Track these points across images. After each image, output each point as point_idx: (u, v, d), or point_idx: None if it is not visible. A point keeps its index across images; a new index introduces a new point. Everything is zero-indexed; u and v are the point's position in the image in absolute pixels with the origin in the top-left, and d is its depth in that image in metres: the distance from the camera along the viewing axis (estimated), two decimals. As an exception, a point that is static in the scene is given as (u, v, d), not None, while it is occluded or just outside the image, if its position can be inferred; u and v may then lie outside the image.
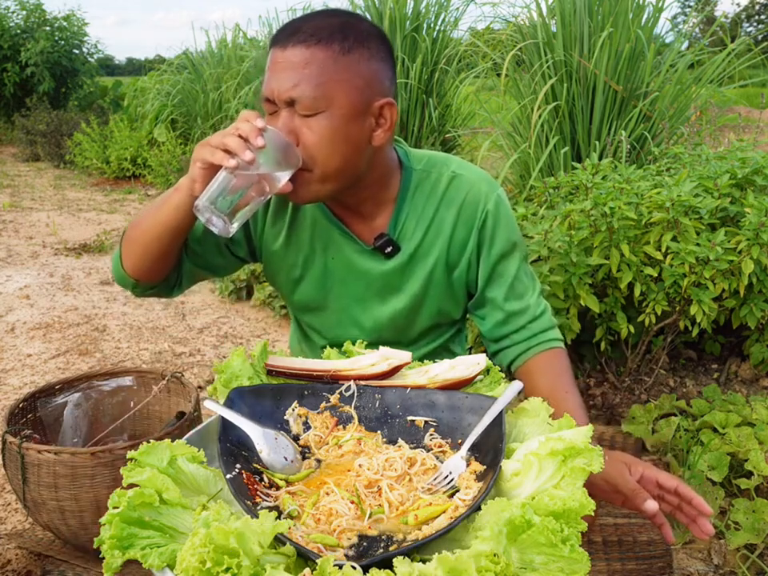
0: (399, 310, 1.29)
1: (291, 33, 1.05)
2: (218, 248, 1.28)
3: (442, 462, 0.90)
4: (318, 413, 1.01)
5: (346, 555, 0.73)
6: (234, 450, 0.87)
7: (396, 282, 1.27)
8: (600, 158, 3.15)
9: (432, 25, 5.45)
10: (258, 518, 0.69)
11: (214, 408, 0.92)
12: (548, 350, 1.26)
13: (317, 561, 0.66)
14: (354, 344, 1.15)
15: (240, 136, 0.98)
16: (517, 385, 0.98)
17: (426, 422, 0.98)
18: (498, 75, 3.91)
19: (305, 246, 1.27)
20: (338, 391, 1.02)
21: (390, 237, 1.23)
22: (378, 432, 0.98)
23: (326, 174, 1.09)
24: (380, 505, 0.81)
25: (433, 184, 1.24)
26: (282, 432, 0.94)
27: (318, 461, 0.92)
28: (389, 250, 1.23)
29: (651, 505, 0.93)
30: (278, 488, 0.85)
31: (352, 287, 1.28)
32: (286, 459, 0.89)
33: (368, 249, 1.25)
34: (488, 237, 1.25)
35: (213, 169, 1.00)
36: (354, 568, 0.67)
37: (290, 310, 1.45)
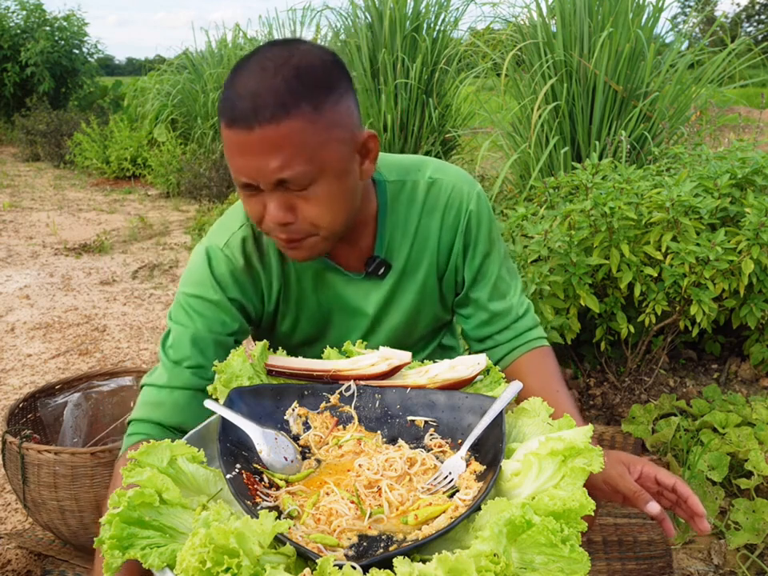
0: (396, 326, 1.27)
1: (250, 111, 0.91)
2: (225, 352, 1.08)
3: (442, 462, 0.90)
4: (318, 413, 1.01)
5: (346, 555, 0.73)
6: (234, 449, 0.87)
7: (391, 299, 1.24)
8: (600, 158, 3.15)
9: (432, 25, 5.45)
10: (258, 518, 0.69)
11: (214, 408, 0.92)
12: (534, 349, 1.25)
13: (317, 561, 0.66)
14: (353, 344, 1.15)
15: None
16: (517, 385, 0.98)
17: (426, 422, 0.98)
18: (498, 75, 3.91)
19: (295, 291, 1.22)
20: (338, 391, 1.02)
21: (380, 257, 1.19)
22: (378, 432, 0.98)
23: (333, 232, 1.04)
24: (380, 505, 0.81)
25: (409, 193, 1.20)
26: (282, 432, 0.94)
27: (318, 461, 0.92)
28: (381, 271, 1.20)
29: (654, 507, 0.93)
30: (277, 488, 0.85)
31: (348, 318, 1.25)
32: (286, 459, 0.89)
33: (359, 277, 1.21)
34: (473, 238, 1.22)
35: None
36: (354, 568, 0.67)
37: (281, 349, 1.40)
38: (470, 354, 1.22)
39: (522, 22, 4.03)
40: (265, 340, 1.08)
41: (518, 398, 1.13)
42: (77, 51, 11.82)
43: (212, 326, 1.13)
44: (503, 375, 1.05)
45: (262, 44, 1.01)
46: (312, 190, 0.98)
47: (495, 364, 1.25)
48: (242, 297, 1.17)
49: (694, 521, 0.96)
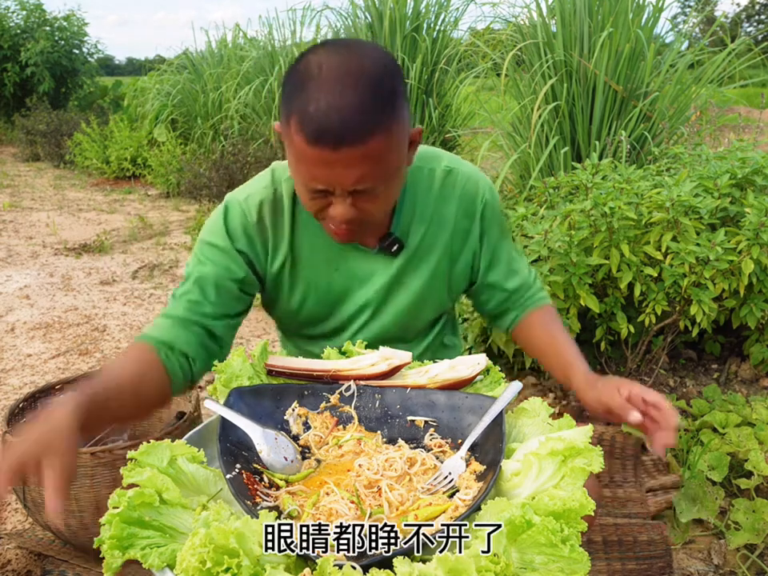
0: (403, 308, 1.29)
1: (337, 132, 0.94)
2: (237, 299, 1.22)
3: (442, 462, 0.90)
4: (318, 413, 1.01)
5: (346, 555, 0.73)
6: (234, 449, 0.87)
7: (401, 278, 1.27)
8: (600, 158, 3.15)
9: (432, 25, 5.45)
10: (258, 517, 0.69)
11: (214, 408, 0.92)
12: (540, 306, 1.35)
13: (317, 561, 0.66)
14: (353, 344, 1.15)
15: None
16: (516, 385, 0.98)
17: (426, 422, 0.98)
18: (498, 75, 3.91)
19: (307, 264, 1.25)
20: (338, 391, 1.02)
21: (395, 234, 1.24)
22: (378, 432, 0.98)
23: (381, 219, 1.15)
24: (380, 505, 0.81)
25: (427, 179, 1.25)
26: (282, 432, 0.94)
27: (318, 461, 0.93)
28: (395, 248, 1.24)
29: (635, 416, 0.98)
30: (277, 488, 0.85)
31: (358, 295, 1.28)
32: (286, 459, 0.89)
33: (372, 252, 1.24)
34: (488, 225, 1.29)
35: None
36: (354, 568, 0.67)
37: (285, 336, 1.43)
38: (470, 353, 1.22)
39: (522, 22, 4.03)
40: (265, 339, 1.08)
41: (531, 350, 1.31)
42: (77, 51, 11.81)
43: (217, 270, 1.19)
44: (503, 375, 1.05)
45: (320, 43, 1.04)
46: (378, 192, 1.04)
47: (509, 325, 1.37)
48: (250, 251, 1.22)
49: (659, 433, 0.97)
